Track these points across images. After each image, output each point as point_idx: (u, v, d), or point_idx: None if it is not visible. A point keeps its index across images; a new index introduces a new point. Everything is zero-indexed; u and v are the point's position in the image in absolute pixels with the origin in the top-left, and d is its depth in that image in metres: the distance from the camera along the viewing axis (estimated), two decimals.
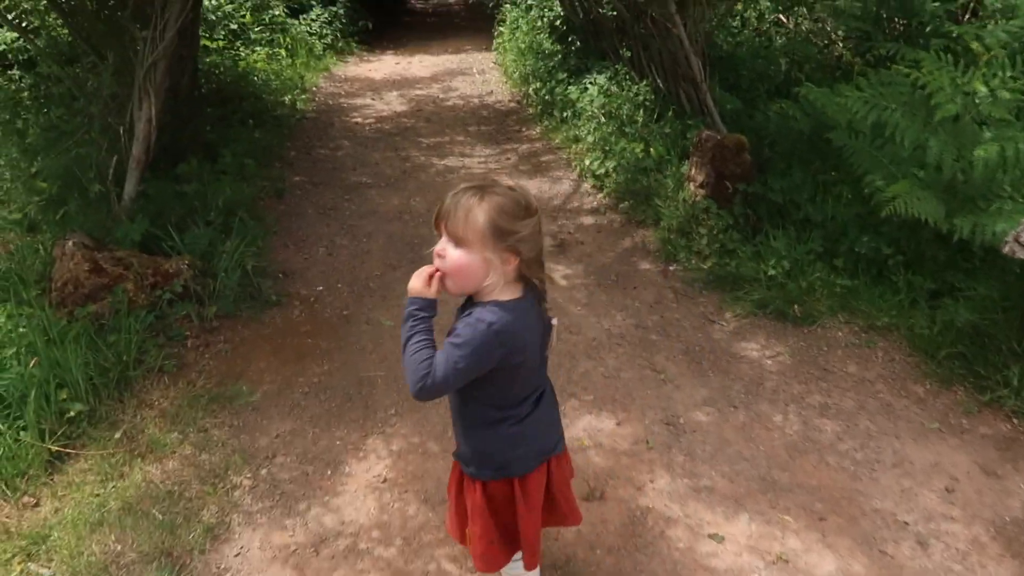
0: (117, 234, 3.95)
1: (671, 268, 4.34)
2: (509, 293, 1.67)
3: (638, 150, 5.20)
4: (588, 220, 5.10)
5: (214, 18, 8.98)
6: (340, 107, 8.32)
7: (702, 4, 4.77)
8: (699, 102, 5.16)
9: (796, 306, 3.66)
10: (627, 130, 5.62)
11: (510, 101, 8.44)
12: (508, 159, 6.46)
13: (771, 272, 3.83)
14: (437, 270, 1.67)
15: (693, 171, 4.69)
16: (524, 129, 7.34)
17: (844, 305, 3.64)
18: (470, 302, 1.72)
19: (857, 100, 3.46)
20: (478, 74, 9.86)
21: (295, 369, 3.47)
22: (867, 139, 3.67)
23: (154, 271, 3.78)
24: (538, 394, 1.81)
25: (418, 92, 8.98)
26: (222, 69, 7.96)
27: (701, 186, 4.62)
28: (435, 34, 13.13)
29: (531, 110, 7.77)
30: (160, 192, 4.47)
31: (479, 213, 1.59)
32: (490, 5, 11.95)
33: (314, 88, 9.01)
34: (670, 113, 5.50)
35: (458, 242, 1.61)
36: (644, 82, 6.04)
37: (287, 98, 8.10)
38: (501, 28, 10.81)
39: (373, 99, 8.69)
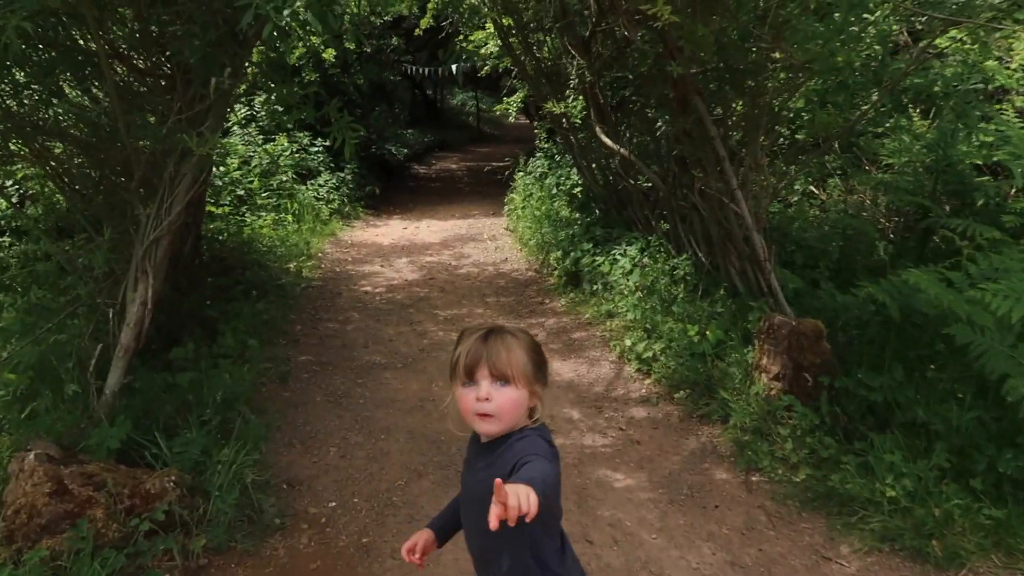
0: (90, 441, 3.25)
1: (753, 479, 3.64)
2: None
3: (692, 332, 4.64)
4: (639, 412, 4.44)
5: (220, 184, 8.73)
6: (348, 274, 7.87)
7: (765, 178, 4.39)
8: (759, 281, 4.67)
9: (934, 541, 2.94)
10: (674, 308, 5.09)
11: (528, 270, 8.02)
12: (536, 335, 5.88)
13: (890, 493, 3.13)
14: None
15: (765, 360, 4.10)
16: (547, 301, 6.84)
17: (997, 542, 2.92)
18: (495, 442, 1.67)
19: (993, 292, 2.93)
20: (490, 240, 9.54)
21: None
22: (995, 335, 3.11)
23: (132, 491, 3.04)
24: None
25: (429, 259, 8.58)
26: (226, 235, 7.56)
27: (776, 378, 4.01)
28: (441, 199, 13.04)
29: (552, 280, 7.32)
30: (149, 384, 3.82)
31: (519, 351, 1.65)
32: (504, 173, 11.93)
33: (320, 254, 8.61)
34: (721, 292, 5.00)
35: (505, 381, 1.63)
36: (684, 256, 5.60)
37: (292, 265, 7.66)
38: (512, 195, 10.66)
39: (382, 266, 8.26)
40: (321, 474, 3.76)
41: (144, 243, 3.67)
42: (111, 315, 3.80)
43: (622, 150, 6.18)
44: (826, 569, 2.95)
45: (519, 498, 1.30)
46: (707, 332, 4.63)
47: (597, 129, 6.46)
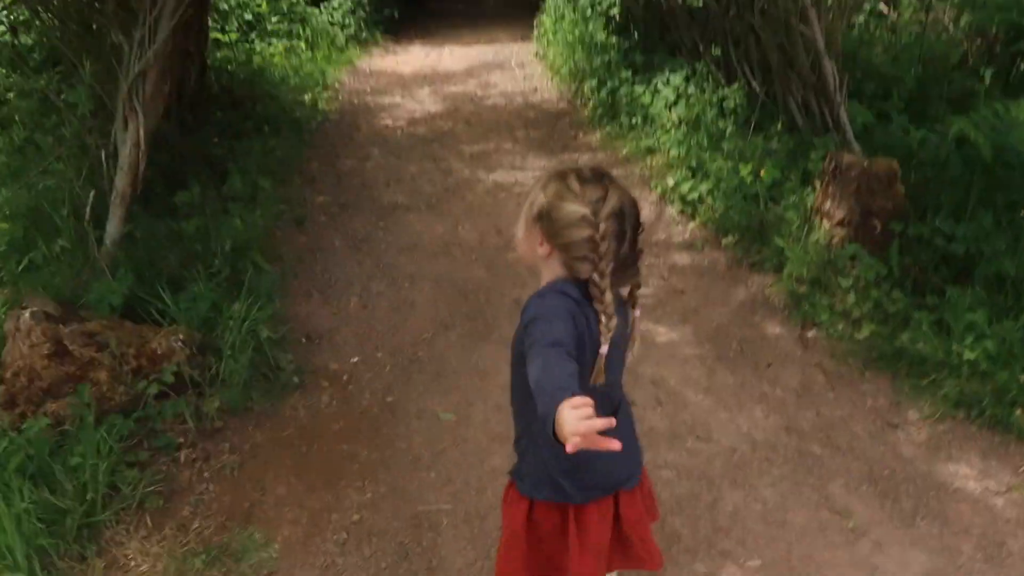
0: (91, 296, 2.99)
1: (810, 334, 3.33)
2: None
3: (744, 171, 4.18)
4: (682, 259, 4.09)
5: (226, 7, 8.03)
6: (366, 106, 7.33)
7: None
8: (824, 115, 4.13)
9: (1019, 410, 2.65)
10: (724, 145, 4.59)
11: (559, 101, 7.41)
12: None
13: (968, 355, 2.81)
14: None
15: (828, 204, 3.66)
16: (581, 135, 6.32)
17: None
18: None
19: None
20: (517, 68, 8.82)
21: (326, 499, 2.50)
22: None
23: (137, 351, 2.82)
24: (610, 412, 1.51)
25: (453, 89, 7.96)
26: (234, 65, 7.00)
27: (840, 224, 3.60)
28: (465, 22, 12.07)
29: (586, 112, 6.74)
30: (151, 233, 3.52)
31: (537, 190, 1.50)
32: None
33: (337, 84, 8.01)
34: (777, 126, 4.47)
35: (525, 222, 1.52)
36: (735, 85, 5.01)
37: (307, 97, 7.12)
38: (542, 17, 9.76)
39: (403, 97, 7.69)
40: (341, 326, 3.53)
41: (129, 77, 3.23)
42: (104, 157, 3.43)
43: None
44: (892, 437, 2.69)
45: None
46: (761, 171, 4.16)
47: None
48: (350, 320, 3.58)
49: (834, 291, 3.44)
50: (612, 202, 1.41)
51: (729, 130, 4.92)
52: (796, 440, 2.70)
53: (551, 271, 1.48)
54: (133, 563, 2.24)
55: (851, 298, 3.35)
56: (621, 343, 1.53)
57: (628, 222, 1.42)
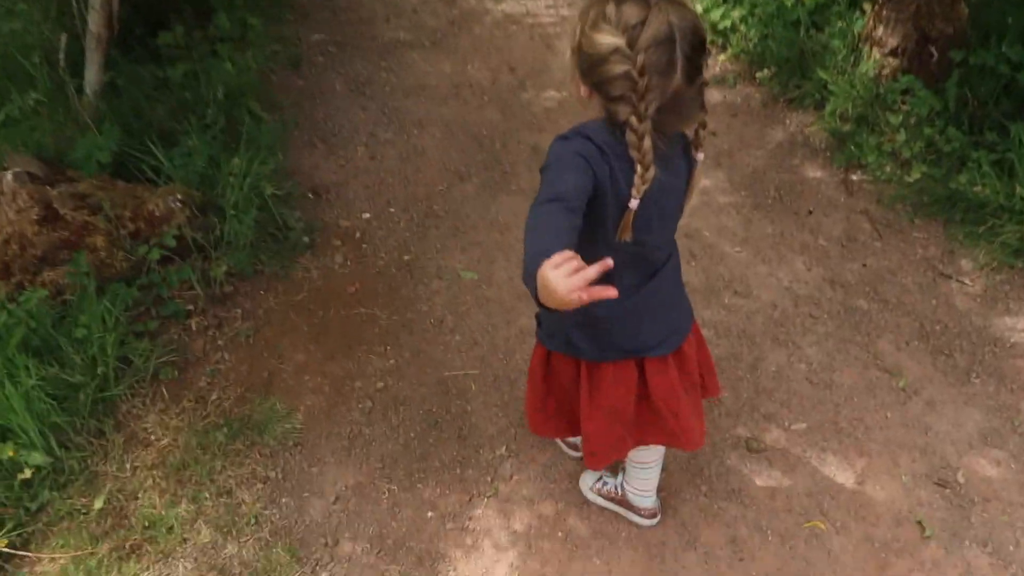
0: (77, 153, 2.75)
1: (854, 178, 3.10)
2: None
3: None
4: (713, 96, 3.76)
5: None
6: None
7: None
8: None
9: None
10: None
11: None
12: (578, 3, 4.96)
13: None
14: None
15: (880, 30, 3.29)
16: None
17: None
18: None
19: None
20: None
21: (347, 367, 2.39)
22: None
23: (134, 213, 2.62)
24: (646, 273, 1.43)
25: None
26: None
27: (893, 53, 3.25)
28: None
29: None
30: (135, 81, 3.21)
31: (577, 21, 1.22)
32: None
33: None
34: None
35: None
36: None
37: None
38: None
39: None
40: (350, 179, 3.29)
41: None
42: None
43: None
44: (944, 288, 2.53)
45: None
46: None
47: None
48: (358, 172, 3.34)
49: (882, 129, 3.16)
50: (654, 27, 1.14)
51: None
52: (841, 294, 2.54)
53: (594, 115, 1.27)
54: (153, 437, 2.16)
55: (901, 136, 3.08)
56: (670, 194, 1.36)
57: (680, 50, 1.14)
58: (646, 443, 1.68)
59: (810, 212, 2.94)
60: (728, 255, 2.75)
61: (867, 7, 3.52)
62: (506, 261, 2.79)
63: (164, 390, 2.29)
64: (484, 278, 2.73)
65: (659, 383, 1.53)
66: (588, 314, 1.15)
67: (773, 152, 3.30)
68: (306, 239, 2.88)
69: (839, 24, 3.56)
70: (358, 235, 2.97)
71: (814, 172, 3.16)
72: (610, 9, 1.17)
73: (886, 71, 3.27)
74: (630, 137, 1.19)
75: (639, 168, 1.20)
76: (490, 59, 4.26)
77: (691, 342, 1.58)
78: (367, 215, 3.07)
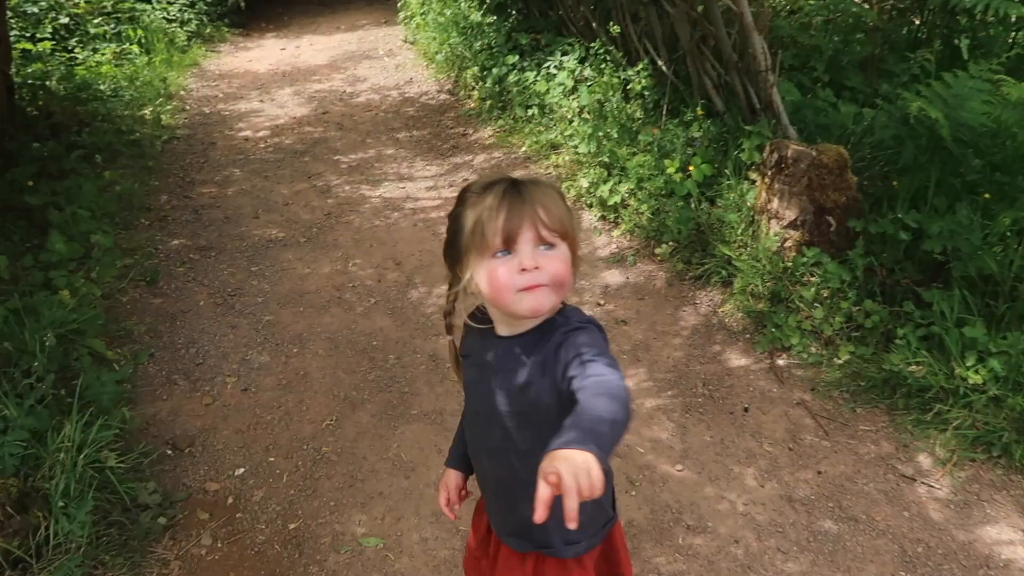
0: None
1: (781, 362, 2.88)
2: None
3: (671, 168, 3.67)
4: (614, 277, 3.56)
5: (36, 11, 6.84)
6: (220, 117, 6.40)
7: None
8: (748, 96, 3.67)
9: None
10: (640, 137, 4.08)
11: (439, 92, 6.72)
12: (465, 180, 4.80)
13: (974, 378, 2.41)
14: None
15: (775, 203, 3.21)
16: (470, 131, 5.68)
17: None
18: (530, 332, 1.24)
19: None
20: (387, 57, 8.04)
21: None
22: None
23: None
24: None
25: (318, 87, 7.13)
26: (53, 81, 5.89)
27: (792, 225, 3.15)
28: (321, 8, 11.07)
29: (472, 104, 6.09)
30: None
31: (558, 200, 1.22)
32: None
33: (182, 92, 7.01)
34: (696, 112, 3.99)
35: (550, 244, 1.19)
36: (639, 65, 4.50)
37: (147, 111, 6.12)
38: None
39: (262, 100, 6.80)
40: (219, 423, 2.78)
41: None
42: None
43: None
44: (911, 494, 2.26)
45: (578, 477, 0.86)
46: (690, 167, 3.67)
47: None
48: (228, 412, 2.84)
49: (798, 305, 3.00)
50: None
51: (639, 117, 4.42)
52: (805, 516, 2.22)
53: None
54: None
55: (819, 312, 2.92)
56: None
57: None
58: None
59: (745, 409, 2.66)
60: (670, 477, 2.40)
61: (755, 178, 3.47)
62: (416, 516, 2.33)
63: None
64: (392, 544, 2.25)
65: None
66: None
67: (690, 339, 3.07)
68: (162, 520, 2.32)
69: (731, 196, 3.48)
70: (230, 500, 2.44)
71: (738, 359, 2.92)
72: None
73: (788, 243, 3.16)
74: None
75: None
76: (373, 253, 3.95)
77: None
78: (241, 471, 2.56)
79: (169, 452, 2.63)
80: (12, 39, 5.45)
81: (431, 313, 3.38)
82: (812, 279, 3.03)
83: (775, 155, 3.20)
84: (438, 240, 4.16)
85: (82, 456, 2.26)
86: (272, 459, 2.60)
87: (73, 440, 2.29)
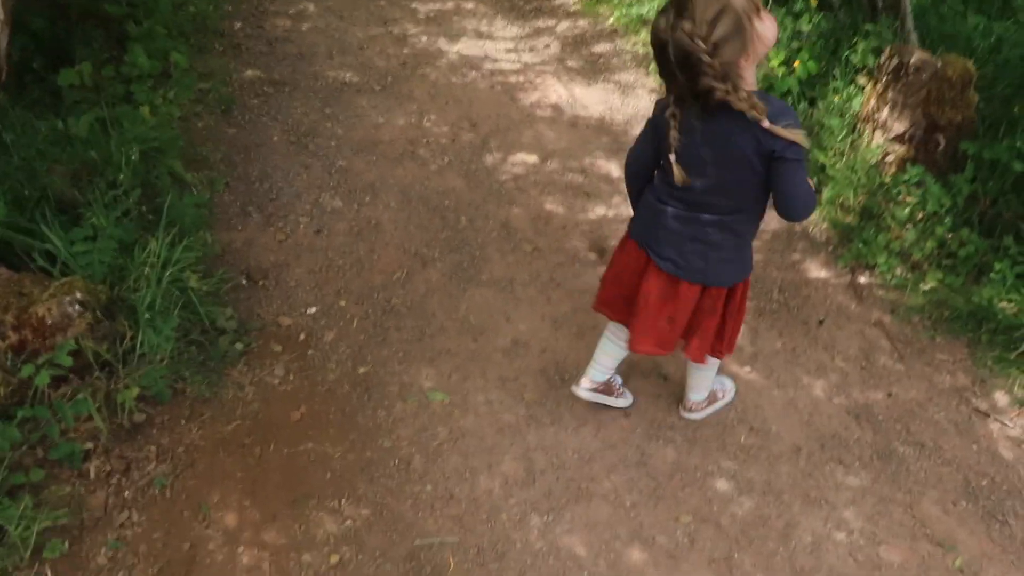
0: None
1: (862, 280, 2.81)
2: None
3: (774, 61, 3.47)
4: None
5: None
6: None
7: None
8: None
9: None
10: None
11: None
12: (547, 47, 4.59)
13: None
14: None
15: (885, 113, 3.03)
16: None
17: None
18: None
19: None
20: None
21: (292, 531, 1.91)
22: None
23: (18, 319, 2.07)
24: (692, 209, 1.77)
25: None
26: None
27: (899, 140, 2.99)
28: None
29: None
30: (27, 134, 2.63)
31: None
32: None
33: None
34: (810, 2, 3.71)
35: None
36: None
37: None
38: None
39: None
40: (291, 260, 2.80)
41: None
42: None
43: None
44: (982, 429, 2.25)
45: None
46: (795, 62, 3.46)
47: None
48: (301, 250, 2.85)
49: (887, 224, 2.89)
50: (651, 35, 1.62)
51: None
52: (870, 434, 2.22)
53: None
54: None
55: (910, 235, 2.81)
56: (721, 161, 1.66)
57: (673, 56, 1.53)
58: (625, 322, 2.01)
59: (820, 322, 2.62)
60: (740, 377, 2.40)
61: (863, 82, 3.27)
62: (483, 379, 2.37)
63: (49, 573, 1.76)
64: (457, 400, 2.30)
65: (647, 286, 1.88)
66: (642, 202, 1.88)
67: (771, 244, 2.99)
68: (239, 345, 2.38)
69: (835, 99, 3.30)
70: (302, 336, 2.49)
71: (818, 271, 2.85)
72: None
73: (890, 158, 3.01)
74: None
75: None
76: (449, 111, 3.83)
77: (697, 296, 1.86)
78: (313, 309, 2.59)
79: (243, 282, 2.66)
80: None
81: (505, 180, 3.31)
82: (909, 199, 2.90)
83: (895, 60, 3.00)
84: (515, 106, 4.04)
85: (167, 273, 2.29)
86: (343, 303, 2.63)
87: (159, 256, 2.31)
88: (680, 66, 1.53)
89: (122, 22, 3.70)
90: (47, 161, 2.59)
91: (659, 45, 1.56)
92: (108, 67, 3.25)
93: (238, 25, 4.57)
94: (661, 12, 1.56)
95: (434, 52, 4.47)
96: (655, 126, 1.73)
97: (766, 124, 1.54)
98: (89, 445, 2.02)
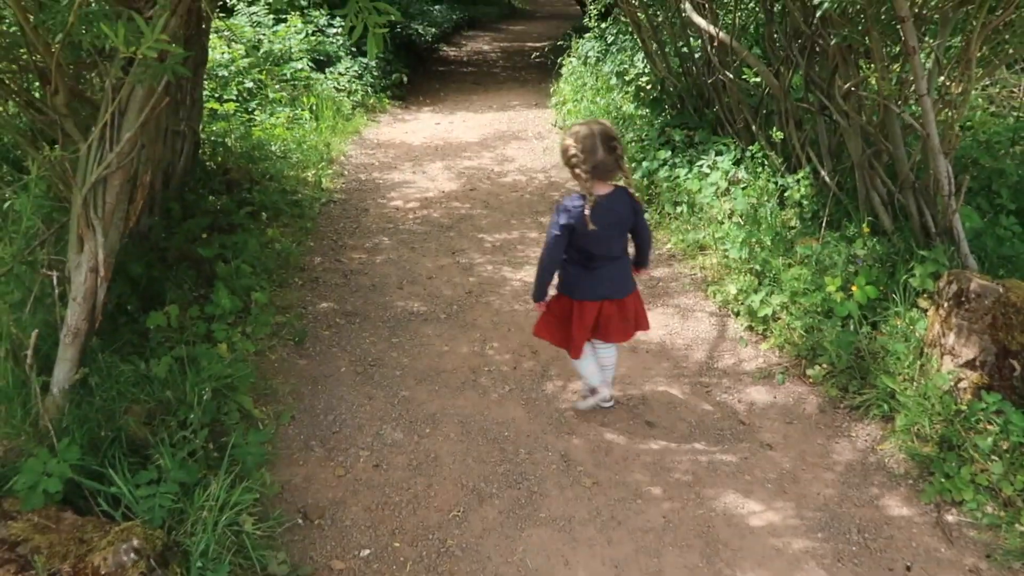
0: (19, 482, 2.27)
1: (950, 518, 2.60)
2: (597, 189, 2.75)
3: (832, 286, 3.49)
4: (760, 395, 3.38)
5: (225, 74, 7.49)
6: (374, 184, 6.71)
7: (969, 79, 3.07)
8: (925, 220, 3.46)
9: None
10: (797, 249, 3.92)
11: None
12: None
13: None
14: None
15: (950, 338, 2.96)
16: None
17: None
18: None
19: None
20: (536, 139, 8.25)
21: None
22: None
23: (75, 568, 2.09)
24: (607, 260, 2.85)
25: (467, 163, 7.37)
26: (232, 139, 6.39)
27: (971, 366, 2.89)
28: (475, 86, 11.60)
29: None
30: (111, 376, 2.81)
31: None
32: (547, 56, 10.47)
33: (342, 158, 7.43)
34: (860, 227, 3.80)
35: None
36: (801, 173, 4.36)
37: (310, 174, 6.52)
38: (560, 84, 9.27)
39: (414, 172, 7.09)
40: (349, 497, 2.79)
41: (84, 185, 2.56)
42: (55, 282, 2.75)
43: (720, 32, 4.82)
44: None
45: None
46: (853, 286, 3.48)
47: (686, 4, 5.06)
48: (359, 487, 2.84)
49: (970, 455, 2.72)
50: (584, 133, 2.71)
51: (794, 227, 4.27)
52: None
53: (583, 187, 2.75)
54: None
55: (998, 468, 2.63)
56: (614, 225, 2.79)
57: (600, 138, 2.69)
58: (598, 338, 3.04)
59: (908, 568, 2.40)
60: None
61: (925, 305, 3.23)
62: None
63: None
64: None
65: (608, 312, 2.93)
66: (579, 278, 2.90)
67: (844, 477, 2.83)
68: None
69: (897, 323, 3.25)
70: None
71: (899, 507, 2.66)
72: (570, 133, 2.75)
73: (964, 384, 2.90)
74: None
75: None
76: (511, 339, 3.94)
77: (630, 299, 2.97)
78: (366, 552, 2.53)
79: (300, 521, 2.65)
80: (203, 100, 5.98)
81: (565, 409, 3.31)
82: (990, 427, 2.75)
83: (954, 286, 2.98)
84: None
85: (223, 517, 2.31)
86: (397, 544, 2.56)
87: (218, 499, 2.34)
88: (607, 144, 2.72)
89: (213, 263, 4.05)
90: (126, 401, 2.74)
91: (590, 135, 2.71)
92: (194, 308, 3.52)
93: (318, 260, 4.95)
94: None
95: (498, 280, 4.70)
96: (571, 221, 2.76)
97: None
98: None
